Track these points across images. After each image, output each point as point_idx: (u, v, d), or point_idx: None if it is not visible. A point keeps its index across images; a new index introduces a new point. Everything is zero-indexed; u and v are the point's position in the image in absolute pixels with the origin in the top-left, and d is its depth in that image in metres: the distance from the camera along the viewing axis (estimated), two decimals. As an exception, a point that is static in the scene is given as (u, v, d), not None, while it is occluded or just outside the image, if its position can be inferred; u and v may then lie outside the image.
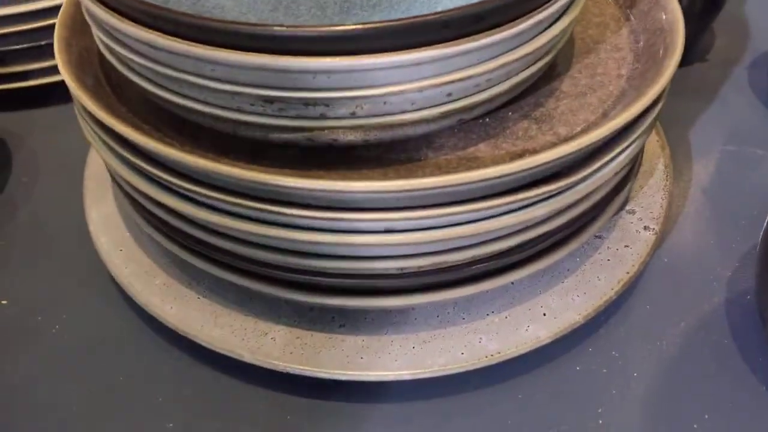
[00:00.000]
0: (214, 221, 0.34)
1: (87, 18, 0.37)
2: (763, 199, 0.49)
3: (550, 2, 0.34)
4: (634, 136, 0.36)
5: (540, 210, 0.35)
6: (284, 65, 0.31)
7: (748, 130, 0.54)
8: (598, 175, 0.36)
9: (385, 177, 0.35)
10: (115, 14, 0.33)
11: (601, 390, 0.39)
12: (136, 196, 0.38)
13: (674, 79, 0.38)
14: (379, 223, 0.33)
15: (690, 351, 0.41)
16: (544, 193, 0.34)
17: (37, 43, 0.54)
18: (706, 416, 0.38)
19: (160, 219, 0.38)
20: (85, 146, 0.50)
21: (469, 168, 0.35)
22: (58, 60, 0.38)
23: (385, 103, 0.33)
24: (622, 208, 0.45)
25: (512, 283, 0.41)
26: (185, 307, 0.40)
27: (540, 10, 0.33)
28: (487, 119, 0.38)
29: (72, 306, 0.44)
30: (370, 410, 0.39)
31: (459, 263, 0.36)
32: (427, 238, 0.34)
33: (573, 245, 0.40)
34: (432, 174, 0.35)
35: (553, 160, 0.32)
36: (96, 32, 0.37)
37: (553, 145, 0.35)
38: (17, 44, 0.54)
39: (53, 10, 0.52)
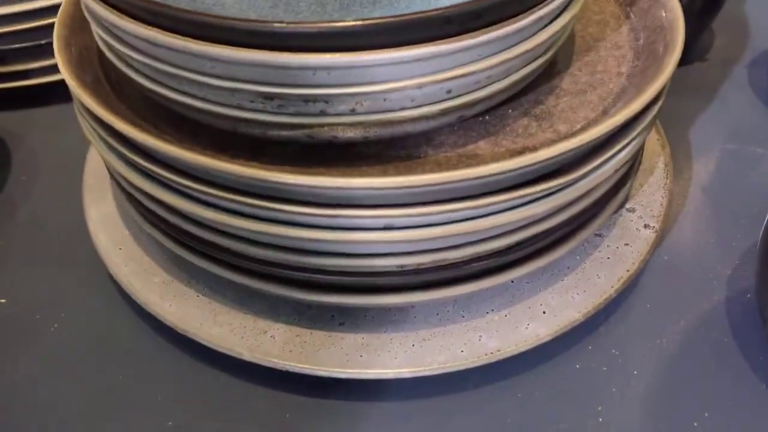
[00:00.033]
0: (213, 218, 0.34)
1: (86, 15, 0.37)
2: (763, 198, 0.48)
3: (550, -1, 0.34)
4: (635, 133, 0.36)
5: (540, 207, 0.35)
6: (284, 62, 0.31)
7: (748, 128, 0.54)
8: (598, 172, 0.36)
9: (385, 174, 0.35)
10: (115, 11, 0.33)
11: (601, 388, 0.39)
12: (135, 193, 0.38)
13: (674, 79, 0.38)
14: (379, 220, 0.33)
15: (690, 349, 0.41)
16: (544, 190, 0.34)
17: (37, 42, 0.54)
18: (706, 414, 0.38)
19: (159, 217, 0.38)
20: (84, 145, 0.50)
21: (469, 165, 0.35)
22: (58, 58, 0.38)
23: (384, 99, 0.32)
24: (622, 206, 0.45)
25: (512, 281, 0.41)
26: (184, 305, 0.40)
27: (540, 6, 0.33)
28: (487, 117, 0.38)
29: (71, 305, 0.44)
30: (369, 408, 0.39)
31: (459, 261, 0.36)
32: (426, 235, 0.34)
33: (573, 243, 0.40)
34: (432, 171, 0.35)
35: (553, 157, 0.32)
36: (95, 29, 0.37)
37: (553, 142, 0.35)
38: (17, 43, 0.54)
39: (53, 9, 0.52)
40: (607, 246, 0.43)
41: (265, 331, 0.39)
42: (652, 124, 0.38)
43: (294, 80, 0.31)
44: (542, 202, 0.35)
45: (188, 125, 0.37)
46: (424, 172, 0.35)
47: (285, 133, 0.34)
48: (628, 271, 0.42)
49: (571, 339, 0.41)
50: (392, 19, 0.30)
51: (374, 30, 0.30)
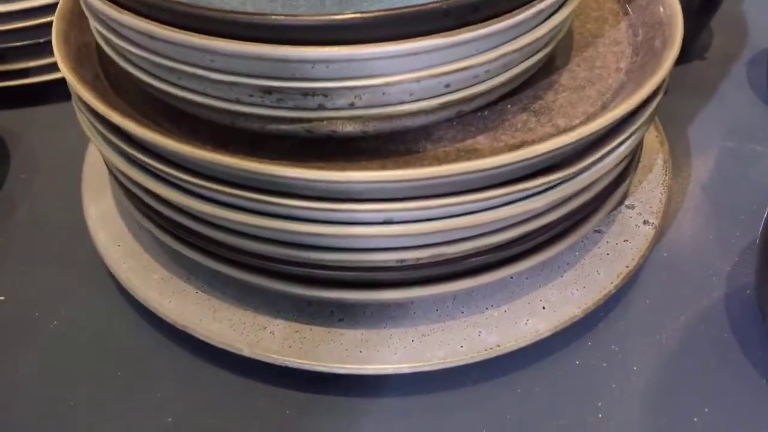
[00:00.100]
0: (211, 213, 0.34)
1: (85, 10, 0.37)
2: (762, 195, 0.48)
3: (549, -7, 0.34)
4: (634, 127, 0.36)
5: (539, 201, 0.35)
6: (282, 55, 0.31)
7: (747, 126, 0.54)
8: (598, 167, 0.36)
9: (384, 168, 0.35)
10: (113, 5, 0.33)
11: (601, 384, 0.39)
12: (134, 189, 0.38)
13: (673, 77, 0.39)
14: (379, 214, 0.33)
15: (690, 345, 0.41)
16: (543, 184, 0.34)
17: (36, 41, 0.54)
18: (706, 410, 0.38)
19: (157, 212, 0.38)
20: (83, 143, 0.50)
21: (468, 159, 0.35)
22: (57, 53, 0.38)
23: (383, 93, 0.33)
24: (621, 202, 0.45)
25: (511, 277, 0.41)
26: (184, 301, 0.40)
27: (539, 0, 0.33)
28: (486, 112, 0.38)
29: (70, 302, 0.44)
30: (369, 404, 0.39)
31: (458, 255, 0.36)
32: (426, 229, 0.34)
33: (572, 238, 0.40)
34: (431, 165, 0.35)
35: (553, 151, 0.32)
36: (94, 24, 0.37)
37: (552, 136, 0.35)
38: (16, 41, 0.54)
39: (51, 7, 0.52)
40: (607, 242, 0.43)
41: (265, 327, 0.39)
42: (651, 119, 0.38)
43: (293, 74, 0.31)
44: (541, 196, 0.35)
45: (187, 120, 0.37)
46: (422, 166, 0.35)
47: (284, 127, 0.34)
48: (627, 267, 0.42)
49: (570, 335, 0.41)
50: (391, 12, 0.30)
51: (373, 23, 0.30)
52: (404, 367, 0.37)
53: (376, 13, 0.30)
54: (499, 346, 0.38)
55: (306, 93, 0.32)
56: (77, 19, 0.41)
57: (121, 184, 0.40)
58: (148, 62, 0.34)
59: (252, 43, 0.31)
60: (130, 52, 0.34)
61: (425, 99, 0.33)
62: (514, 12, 0.33)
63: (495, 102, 0.38)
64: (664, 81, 0.37)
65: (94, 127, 0.37)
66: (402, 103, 0.33)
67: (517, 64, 0.35)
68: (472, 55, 0.33)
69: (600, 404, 0.38)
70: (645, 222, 0.44)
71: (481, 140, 0.37)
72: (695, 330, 0.42)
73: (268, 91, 0.32)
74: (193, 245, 0.38)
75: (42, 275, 0.45)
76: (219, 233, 0.36)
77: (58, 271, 0.46)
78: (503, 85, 0.36)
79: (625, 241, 0.43)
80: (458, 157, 0.36)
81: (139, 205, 0.40)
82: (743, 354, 0.40)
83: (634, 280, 0.43)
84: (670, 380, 0.39)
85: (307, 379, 0.39)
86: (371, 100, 0.33)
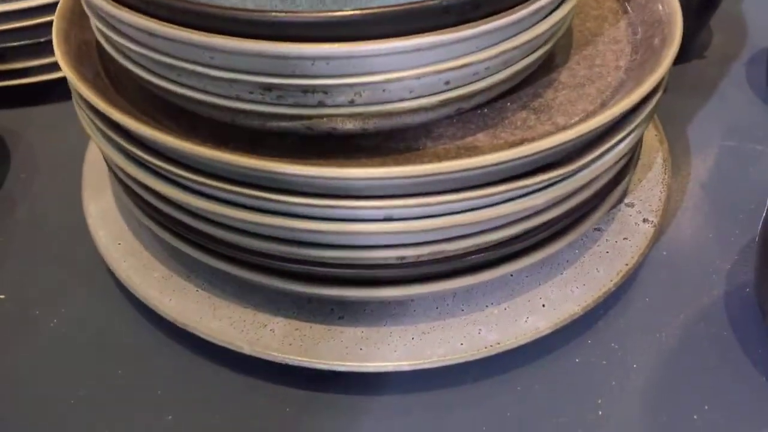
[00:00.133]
0: (211, 210, 0.34)
1: (85, 7, 0.37)
2: (762, 194, 0.49)
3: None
4: (633, 125, 0.36)
5: (539, 199, 0.35)
6: (282, 51, 0.31)
7: (747, 125, 0.54)
8: (597, 164, 0.36)
9: (384, 166, 0.35)
10: (113, 2, 0.33)
11: (601, 382, 0.39)
12: (134, 186, 0.38)
13: (672, 76, 0.39)
14: (379, 211, 0.33)
15: (690, 343, 0.41)
16: (543, 181, 0.34)
17: (36, 40, 0.54)
18: (706, 407, 0.38)
19: (157, 210, 0.38)
20: (83, 143, 0.50)
21: (468, 157, 0.35)
22: (57, 51, 0.38)
23: (383, 90, 0.33)
24: (620, 200, 0.45)
25: (511, 274, 0.41)
26: (184, 299, 0.40)
27: (539, -3, 0.33)
28: (486, 109, 0.38)
29: (70, 300, 0.44)
30: (369, 402, 0.39)
31: (458, 253, 0.36)
32: (426, 226, 0.34)
33: (572, 236, 0.40)
34: (431, 163, 0.35)
35: (553, 147, 0.32)
36: (94, 22, 0.37)
37: (552, 134, 0.35)
38: (16, 41, 0.54)
39: (51, 7, 0.52)
40: (606, 240, 0.43)
41: (265, 325, 0.39)
42: (650, 116, 0.38)
43: (293, 70, 0.31)
44: (541, 193, 0.35)
45: (187, 118, 0.37)
46: (423, 163, 0.35)
47: (284, 124, 0.34)
48: (627, 265, 0.42)
49: (570, 333, 0.41)
50: (391, 9, 0.30)
51: (372, 19, 0.30)
52: (404, 365, 0.38)
53: (376, 10, 0.30)
54: (499, 343, 0.38)
55: (306, 90, 0.32)
56: (77, 18, 0.41)
57: (121, 182, 0.40)
58: (148, 59, 0.34)
59: (252, 40, 0.31)
60: (130, 50, 0.35)
61: (425, 96, 0.33)
62: (514, 9, 0.33)
63: (495, 100, 0.38)
64: (663, 79, 0.37)
65: (94, 124, 0.37)
66: (402, 100, 0.33)
67: (517, 62, 0.35)
68: (472, 52, 0.33)
69: (600, 402, 0.38)
70: (645, 220, 0.44)
71: (481, 138, 0.37)
72: (695, 328, 0.42)
73: (268, 88, 0.32)
74: (193, 243, 0.38)
75: (42, 274, 0.45)
76: (219, 230, 0.36)
77: (59, 269, 0.46)
78: (503, 82, 0.36)
79: (624, 239, 0.43)
80: (458, 155, 0.36)
81: (139, 203, 0.40)
82: (743, 352, 0.40)
83: (633, 278, 0.44)
84: (670, 378, 0.39)
85: (307, 377, 0.39)
86: (371, 97, 0.33)
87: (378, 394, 0.39)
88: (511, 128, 0.37)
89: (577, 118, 0.38)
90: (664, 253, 0.45)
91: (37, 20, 0.53)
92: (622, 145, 0.37)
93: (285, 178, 0.32)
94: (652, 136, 0.49)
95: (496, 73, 0.35)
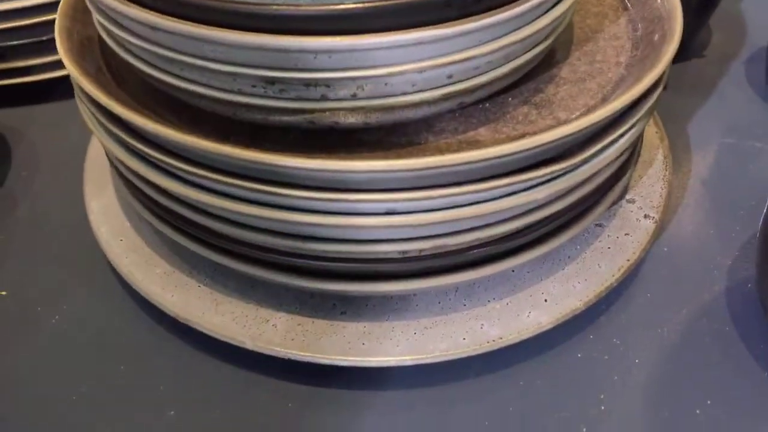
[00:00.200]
0: (214, 204, 0.34)
1: (87, 2, 0.37)
2: (762, 190, 0.49)
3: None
4: (634, 119, 0.36)
5: (541, 192, 0.35)
6: (284, 45, 0.31)
7: (746, 123, 0.55)
8: (599, 158, 0.36)
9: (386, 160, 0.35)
10: (116, -4, 0.33)
11: (603, 377, 0.39)
12: (135, 181, 0.38)
13: (672, 75, 0.39)
14: (381, 205, 0.33)
15: (691, 338, 0.41)
16: (545, 174, 0.34)
17: (38, 39, 0.55)
18: (708, 402, 0.38)
19: (159, 204, 0.38)
20: (84, 142, 0.50)
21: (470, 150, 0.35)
22: (60, 47, 0.38)
23: (386, 84, 0.33)
24: (622, 197, 0.45)
25: (513, 269, 0.41)
26: (186, 295, 0.40)
27: (540, -9, 0.34)
28: (487, 104, 0.38)
29: (72, 297, 0.44)
30: (372, 397, 0.39)
31: (460, 247, 0.36)
32: (428, 220, 0.34)
33: (574, 231, 0.40)
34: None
35: (556, 140, 0.32)
36: (96, 17, 0.37)
37: (554, 128, 0.35)
38: (17, 40, 0.54)
39: (53, 5, 0.52)
40: (608, 236, 0.43)
41: (267, 320, 0.39)
42: (651, 111, 0.38)
43: (295, 64, 0.32)
44: (543, 187, 0.35)
45: (189, 113, 0.37)
46: (425, 157, 0.35)
47: (286, 118, 0.34)
48: (628, 260, 0.42)
49: (572, 328, 0.41)
50: (393, 2, 0.31)
51: (375, 13, 0.31)
52: (407, 360, 0.38)
53: (379, 3, 0.30)
54: (501, 338, 0.38)
55: (308, 84, 0.32)
56: (80, 14, 0.41)
57: (122, 177, 0.41)
58: (150, 53, 0.34)
59: (254, 33, 0.31)
60: (132, 44, 0.35)
61: (428, 90, 0.34)
62: (515, 3, 0.33)
63: (496, 94, 0.38)
64: (664, 74, 0.37)
65: (96, 119, 0.37)
66: (404, 93, 0.33)
67: (518, 56, 0.36)
68: (474, 46, 0.33)
69: (602, 397, 0.38)
70: (646, 216, 0.44)
71: (483, 132, 0.37)
72: (697, 324, 0.42)
73: (271, 81, 0.32)
74: (194, 238, 0.38)
75: (43, 271, 0.45)
76: (221, 225, 0.36)
77: (60, 267, 0.46)
78: (505, 76, 0.36)
79: (626, 234, 0.43)
80: (460, 149, 0.36)
81: (141, 198, 0.40)
82: (745, 347, 0.40)
83: (635, 274, 0.44)
84: (672, 373, 0.39)
85: (310, 373, 0.39)
86: (374, 90, 0.33)
87: (380, 389, 0.39)
88: (513, 123, 0.37)
89: (578, 113, 0.38)
90: (665, 249, 0.45)
91: (39, 19, 0.53)
92: (623, 140, 0.37)
93: (287, 172, 0.32)
94: (652, 133, 0.49)
95: (498, 67, 0.35)
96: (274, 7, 0.30)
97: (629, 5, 0.44)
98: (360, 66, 0.32)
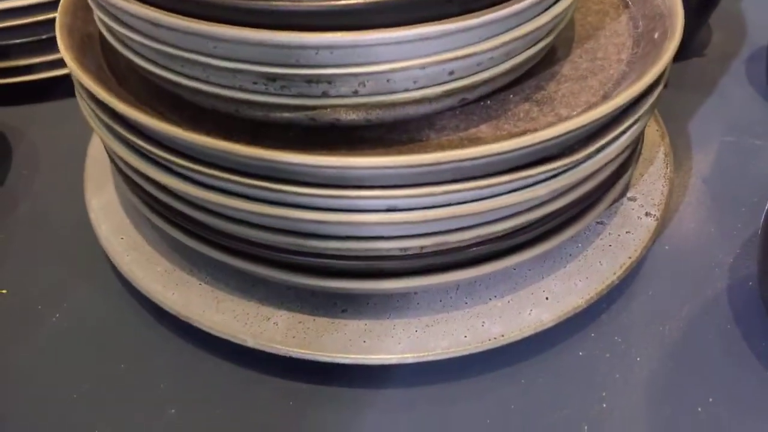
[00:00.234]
0: (215, 201, 0.34)
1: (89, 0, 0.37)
2: (763, 188, 0.49)
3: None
4: (636, 116, 0.36)
5: (542, 190, 0.35)
6: (286, 41, 0.31)
7: (747, 121, 0.55)
8: (600, 155, 0.36)
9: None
10: (117, -7, 0.33)
11: (605, 375, 0.39)
12: (136, 178, 0.38)
13: (673, 74, 0.39)
14: (382, 201, 0.33)
15: (693, 336, 0.41)
16: (546, 171, 0.34)
17: (38, 37, 0.55)
18: (710, 400, 0.38)
19: (160, 202, 0.38)
20: (84, 141, 0.50)
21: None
22: (60, 44, 0.38)
23: (387, 80, 0.33)
24: (623, 194, 0.45)
25: (514, 268, 0.41)
26: (187, 293, 0.40)
27: (541, -12, 0.34)
28: (489, 101, 0.38)
29: (73, 295, 0.44)
30: (373, 395, 0.39)
31: (461, 245, 0.36)
32: (429, 217, 0.34)
33: (575, 229, 0.40)
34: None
35: (557, 137, 0.32)
36: (97, 14, 0.37)
37: (555, 125, 0.35)
38: (18, 38, 0.54)
39: (53, 4, 0.52)
40: (609, 234, 0.43)
41: (269, 318, 0.39)
42: (652, 108, 0.38)
43: (296, 60, 0.32)
44: (545, 184, 0.35)
45: (190, 111, 0.37)
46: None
47: (287, 115, 0.34)
48: (630, 258, 0.42)
49: (573, 326, 0.41)
50: (395, -2, 0.30)
51: (376, 8, 0.30)
52: (408, 357, 0.37)
53: (380, -1, 0.30)
54: (503, 336, 0.38)
55: (310, 80, 0.32)
56: (80, 12, 0.41)
57: (123, 174, 0.40)
58: (151, 50, 0.34)
59: (255, 29, 0.31)
60: (134, 41, 0.35)
61: (429, 86, 0.34)
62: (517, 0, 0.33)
63: (498, 91, 0.38)
64: (665, 71, 0.37)
65: (97, 115, 0.37)
66: (406, 90, 0.33)
67: (520, 53, 0.35)
68: (476, 42, 0.33)
69: (604, 395, 0.38)
70: (647, 214, 0.44)
71: (484, 129, 0.37)
72: (698, 321, 0.42)
73: (272, 78, 0.32)
74: (195, 235, 0.38)
75: (44, 270, 0.45)
76: (222, 222, 0.36)
77: (61, 265, 0.46)
78: (506, 73, 0.36)
79: (627, 232, 0.43)
80: (461, 146, 0.36)
81: (142, 195, 0.40)
82: (746, 345, 0.40)
83: (636, 272, 0.44)
84: (673, 371, 0.39)
85: (311, 371, 0.39)
86: (375, 87, 0.33)
87: (382, 387, 0.39)
88: (514, 120, 0.37)
89: (579, 110, 0.38)
90: (667, 247, 0.45)
91: (39, 17, 0.53)
92: (624, 137, 0.37)
93: (288, 168, 0.32)
94: (653, 131, 0.49)
95: (500, 64, 0.35)
96: (276, 2, 0.30)
97: (630, 3, 0.44)
98: (362, 62, 0.32)
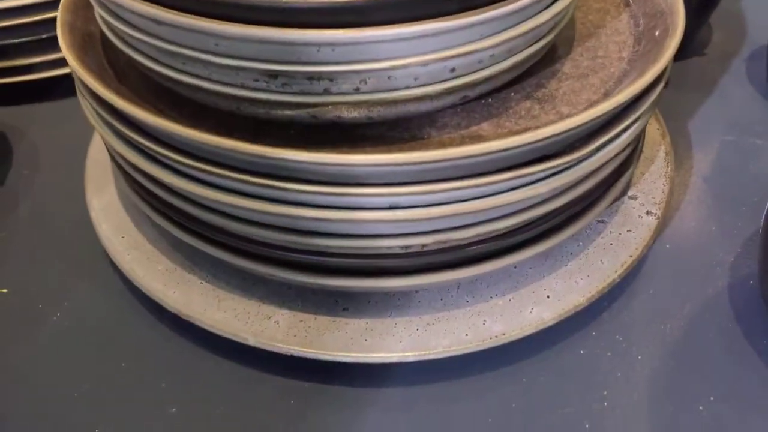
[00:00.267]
0: (216, 199, 0.34)
1: (90, -2, 0.37)
2: (764, 187, 0.49)
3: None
4: (637, 114, 0.36)
5: (544, 187, 0.35)
6: (287, 38, 0.31)
7: (747, 120, 0.55)
8: (601, 153, 0.36)
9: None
10: (118, -10, 0.33)
11: (606, 373, 0.39)
12: (137, 176, 0.38)
13: (673, 73, 0.39)
14: (384, 199, 0.33)
15: (694, 334, 0.41)
16: (547, 169, 0.34)
17: (38, 37, 0.54)
18: (711, 398, 0.38)
19: (161, 200, 0.38)
20: (85, 140, 0.50)
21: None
22: (62, 42, 0.38)
23: (389, 77, 0.33)
24: (624, 193, 0.45)
25: (515, 266, 0.41)
26: (188, 291, 0.40)
27: (543, -15, 0.34)
28: (490, 99, 0.38)
29: (73, 294, 0.44)
30: (374, 394, 0.39)
31: (463, 242, 0.36)
32: (431, 214, 0.34)
33: (576, 227, 0.40)
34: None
35: (558, 134, 0.32)
36: (98, 12, 0.37)
37: (556, 122, 0.35)
38: (18, 38, 0.54)
39: (54, 3, 0.52)
40: (610, 232, 0.43)
41: (269, 317, 0.39)
42: (653, 106, 0.38)
43: (298, 57, 0.31)
44: (546, 182, 0.35)
45: (191, 109, 0.37)
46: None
47: (289, 112, 0.34)
48: (631, 256, 0.42)
49: (575, 325, 0.41)
50: (397, -5, 0.30)
51: (378, 5, 0.30)
52: (409, 356, 0.37)
53: (382, -4, 0.30)
54: (504, 334, 0.38)
55: (311, 77, 0.32)
56: (81, 10, 0.41)
57: (124, 173, 0.40)
58: (152, 48, 0.34)
59: (257, 26, 0.31)
60: (135, 38, 0.35)
61: (430, 84, 0.34)
62: (518, -4, 0.33)
63: (499, 89, 0.38)
64: (666, 68, 0.37)
65: (98, 114, 0.37)
66: (407, 87, 0.33)
67: (521, 50, 0.35)
68: (477, 40, 0.33)
69: (605, 393, 0.38)
70: (648, 212, 0.44)
71: (486, 127, 0.37)
72: (699, 320, 0.42)
73: (274, 75, 0.32)
74: (196, 233, 0.38)
75: (45, 269, 0.45)
76: (223, 220, 0.36)
77: (61, 264, 0.46)
78: (507, 71, 0.36)
79: (628, 231, 0.43)
80: (463, 143, 0.36)
81: (142, 193, 0.40)
82: (747, 343, 0.40)
83: (637, 271, 0.44)
84: (674, 369, 0.39)
85: (312, 370, 0.39)
86: (377, 84, 0.33)
87: (383, 385, 0.39)
88: (516, 118, 0.37)
89: (581, 108, 0.38)
90: (668, 245, 0.45)
91: (39, 16, 0.53)
92: (625, 135, 0.37)
93: (289, 165, 0.32)
94: (654, 130, 0.49)
95: (501, 61, 0.35)
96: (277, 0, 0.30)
97: (631, 1, 0.44)
98: (363, 59, 0.32)
